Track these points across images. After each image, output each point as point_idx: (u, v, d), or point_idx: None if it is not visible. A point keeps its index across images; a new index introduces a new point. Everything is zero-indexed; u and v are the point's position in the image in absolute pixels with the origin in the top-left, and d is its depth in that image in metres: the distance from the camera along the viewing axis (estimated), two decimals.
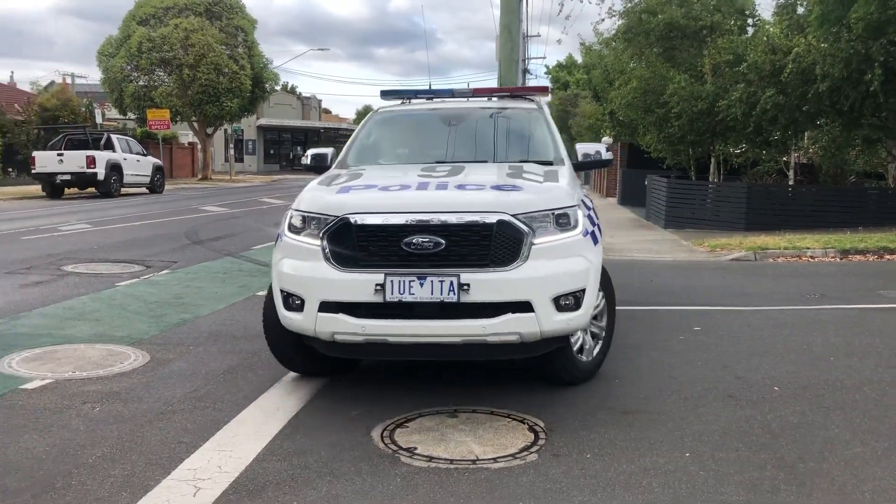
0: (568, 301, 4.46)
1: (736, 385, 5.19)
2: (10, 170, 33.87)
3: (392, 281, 4.30)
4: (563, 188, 4.92)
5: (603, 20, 30.60)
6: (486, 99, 6.86)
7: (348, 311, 4.42)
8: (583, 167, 6.04)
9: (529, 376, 5.28)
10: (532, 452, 3.99)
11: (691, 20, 17.76)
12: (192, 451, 4.00)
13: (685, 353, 6.06)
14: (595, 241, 4.79)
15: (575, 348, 5.02)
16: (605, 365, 5.52)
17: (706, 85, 16.77)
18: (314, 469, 3.79)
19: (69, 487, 3.58)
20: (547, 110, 6.51)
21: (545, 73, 66.50)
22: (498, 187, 4.72)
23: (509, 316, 4.32)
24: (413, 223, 4.39)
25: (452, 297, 4.25)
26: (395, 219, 4.42)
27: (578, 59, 50.00)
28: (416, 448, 4.03)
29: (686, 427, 4.38)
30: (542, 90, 7.13)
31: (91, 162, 25.29)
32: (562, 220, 4.59)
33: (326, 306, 4.46)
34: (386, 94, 7.04)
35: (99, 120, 37.85)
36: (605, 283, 5.19)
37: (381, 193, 4.79)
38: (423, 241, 4.33)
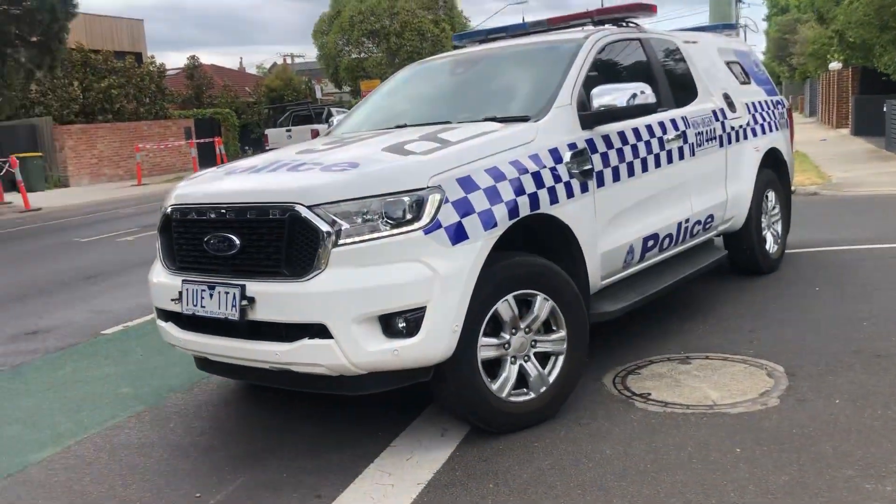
0: (398, 323, 3.33)
1: None
2: (247, 148, 37.31)
3: (188, 290, 3.72)
4: (412, 162, 3.60)
5: None
6: (542, 33, 5.64)
7: (175, 319, 3.95)
8: (602, 119, 4.31)
9: (758, 324, 5.08)
10: (773, 398, 3.85)
11: None
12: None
13: None
14: (459, 237, 3.40)
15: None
16: (848, 306, 5.26)
17: None
18: None
19: None
20: (611, 38, 4.97)
21: None
22: (328, 167, 3.65)
23: (305, 342, 3.38)
24: (212, 218, 3.70)
25: (234, 314, 3.50)
26: (193, 212, 3.80)
27: None
28: (650, 394, 4.03)
29: None
30: (643, 8, 5.37)
31: (315, 135, 27.22)
32: (396, 211, 3.37)
33: (160, 313, 4.10)
34: (459, 38, 6.45)
35: (318, 95, 40.52)
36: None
37: (202, 181, 4.17)
38: (217, 241, 3.63)
